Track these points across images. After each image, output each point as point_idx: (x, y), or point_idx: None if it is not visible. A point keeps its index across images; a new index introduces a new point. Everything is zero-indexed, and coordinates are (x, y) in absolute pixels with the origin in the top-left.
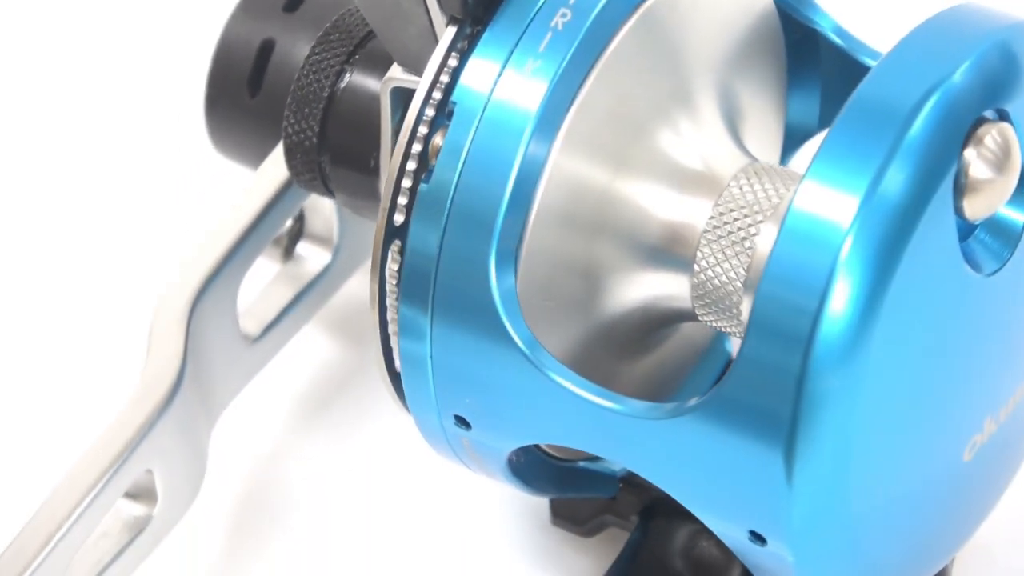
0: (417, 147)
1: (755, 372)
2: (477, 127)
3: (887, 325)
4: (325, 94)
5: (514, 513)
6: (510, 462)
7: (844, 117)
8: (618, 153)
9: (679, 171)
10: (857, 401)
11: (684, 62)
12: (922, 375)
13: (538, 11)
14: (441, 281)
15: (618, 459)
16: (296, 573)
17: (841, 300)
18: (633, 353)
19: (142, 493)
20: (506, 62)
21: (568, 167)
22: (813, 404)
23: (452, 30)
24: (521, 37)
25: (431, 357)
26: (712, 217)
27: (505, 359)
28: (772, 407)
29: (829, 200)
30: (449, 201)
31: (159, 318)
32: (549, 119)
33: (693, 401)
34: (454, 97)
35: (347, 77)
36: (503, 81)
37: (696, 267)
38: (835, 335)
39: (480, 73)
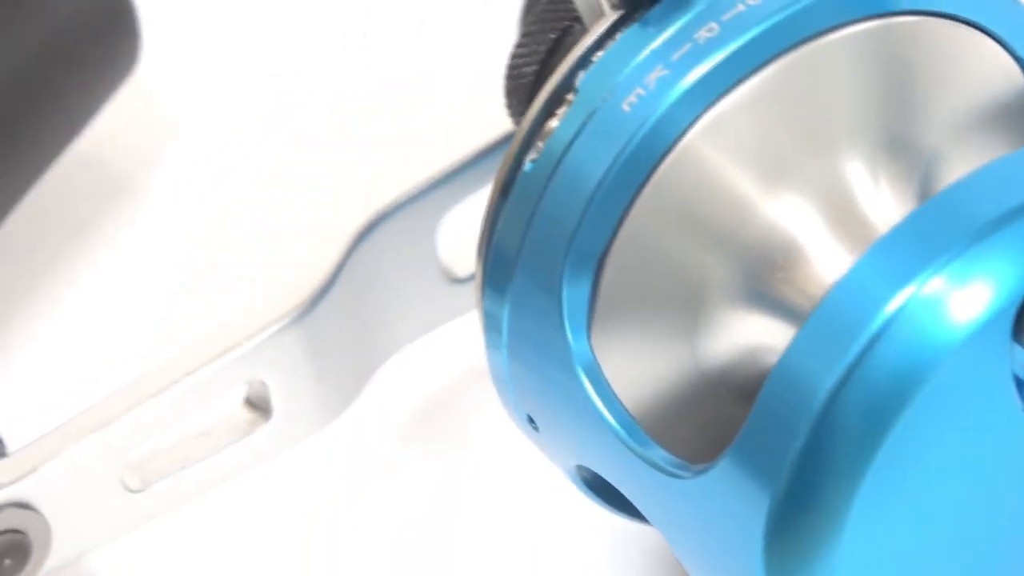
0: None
1: (752, 449)
2: (587, 119)
3: (903, 438)
4: (545, 46)
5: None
6: (583, 477)
7: (929, 204)
8: (783, 161)
9: (845, 208)
10: (855, 505)
11: (901, 103)
12: (948, 504)
13: (689, 18)
14: (519, 273)
15: (635, 502)
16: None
17: (852, 402)
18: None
19: (260, 404)
20: (636, 62)
21: (700, 159)
22: (802, 499)
23: (614, 16)
24: (660, 41)
25: (507, 347)
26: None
27: (561, 372)
28: (760, 492)
29: (868, 289)
30: (542, 188)
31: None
32: (674, 117)
33: (701, 465)
34: (578, 83)
35: (572, 34)
36: (627, 79)
37: None
38: (837, 439)
39: (611, 66)
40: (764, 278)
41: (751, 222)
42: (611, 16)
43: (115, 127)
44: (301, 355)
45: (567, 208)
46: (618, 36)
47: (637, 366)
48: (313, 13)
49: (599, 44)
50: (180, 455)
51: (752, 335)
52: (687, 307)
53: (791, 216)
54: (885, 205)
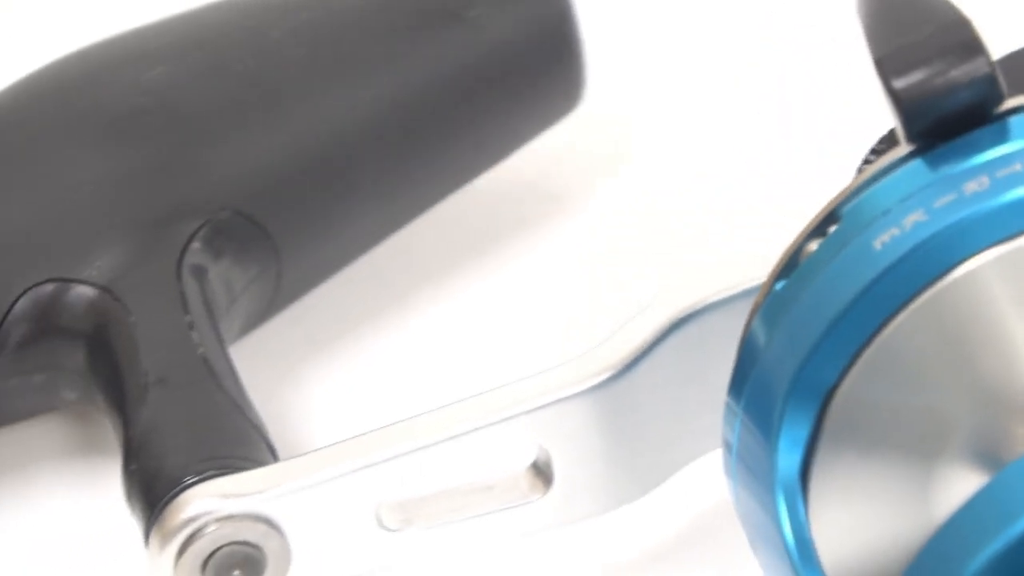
0: None
1: None
2: (841, 248)
3: None
4: None
5: None
6: None
7: None
8: None
9: None
10: None
11: None
12: None
13: (964, 167)
14: (747, 393)
15: None
16: None
17: None
18: None
19: (545, 472)
20: (900, 200)
21: (947, 309)
22: None
23: (907, 148)
24: (928, 184)
25: (735, 461)
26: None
27: (765, 494)
28: None
29: None
30: (785, 310)
31: (650, 309)
32: (921, 265)
33: None
34: (844, 210)
35: None
36: (886, 216)
37: None
38: None
39: (878, 199)
40: (1000, 436)
41: (1002, 375)
42: (905, 148)
43: (564, 150)
44: (592, 429)
45: (800, 336)
46: (899, 169)
47: (852, 510)
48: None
49: (881, 174)
50: (450, 505)
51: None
52: (912, 458)
53: None
54: None
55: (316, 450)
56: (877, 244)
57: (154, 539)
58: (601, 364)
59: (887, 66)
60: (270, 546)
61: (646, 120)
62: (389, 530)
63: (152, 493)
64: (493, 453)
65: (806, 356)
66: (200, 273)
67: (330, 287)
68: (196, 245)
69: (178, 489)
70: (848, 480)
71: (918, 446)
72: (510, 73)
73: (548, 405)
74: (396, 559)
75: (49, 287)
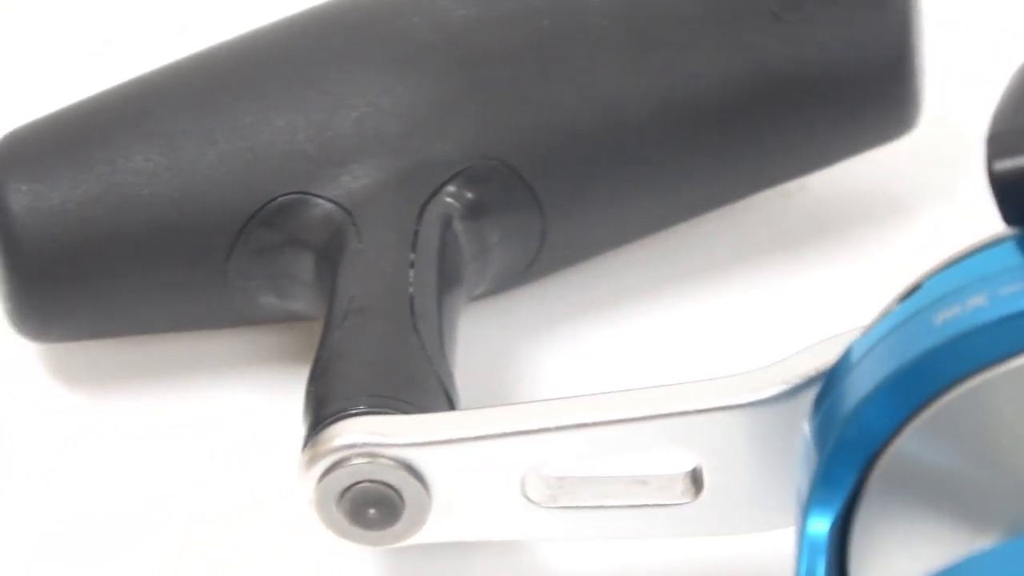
0: None
1: None
2: (910, 317)
3: None
4: None
5: None
6: None
7: None
8: None
9: None
10: None
11: None
12: None
13: None
14: (814, 432)
15: None
16: None
17: None
18: None
19: (699, 478)
20: (971, 281)
21: (994, 399)
22: None
23: (1011, 230)
24: (1000, 269)
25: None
26: None
27: (797, 550)
28: None
29: None
30: (853, 366)
31: (829, 340)
32: (972, 350)
33: None
34: (929, 279)
35: None
36: (954, 293)
37: None
38: None
39: (955, 276)
40: None
41: None
42: (1005, 230)
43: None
44: (745, 446)
45: (853, 393)
46: (988, 250)
47: (893, 568)
48: None
49: (974, 251)
50: (600, 489)
51: None
52: (955, 527)
53: None
54: None
55: (473, 408)
56: (939, 319)
57: (303, 459)
58: (762, 382)
59: (992, 146)
60: (410, 493)
61: None
62: (532, 502)
63: (315, 415)
64: (648, 450)
65: (851, 414)
66: (447, 216)
67: (613, 258)
68: (451, 188)
69: (336, 417)
70: (890, 538)
71: (961, 517)
72: (823, 86)
73: (701, 412)
74: (531, 533)
75: (296, 198)
